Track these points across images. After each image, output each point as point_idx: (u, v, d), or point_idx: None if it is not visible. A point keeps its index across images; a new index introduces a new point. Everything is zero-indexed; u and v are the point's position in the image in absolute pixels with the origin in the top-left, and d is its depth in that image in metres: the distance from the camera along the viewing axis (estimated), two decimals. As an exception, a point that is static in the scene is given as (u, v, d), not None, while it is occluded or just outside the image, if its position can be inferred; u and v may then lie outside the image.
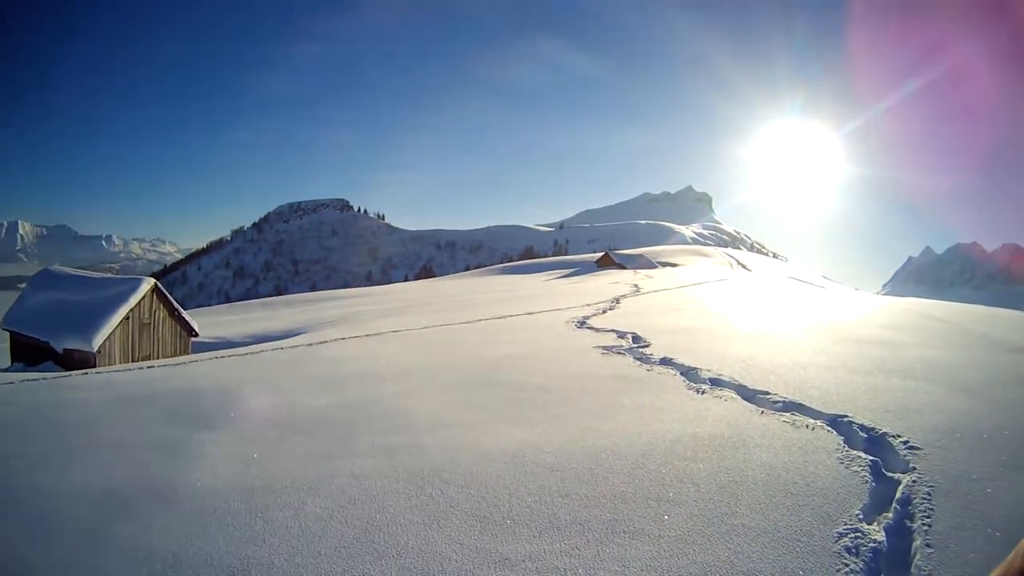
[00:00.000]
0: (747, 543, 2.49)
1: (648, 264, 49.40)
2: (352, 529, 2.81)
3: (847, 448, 3.47)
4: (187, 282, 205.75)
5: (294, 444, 4.12)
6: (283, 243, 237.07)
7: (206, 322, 24.18)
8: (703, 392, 4.88)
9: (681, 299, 14.42)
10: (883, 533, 2.57)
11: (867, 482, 3.01)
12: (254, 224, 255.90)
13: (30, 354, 18.18)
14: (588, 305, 13.97)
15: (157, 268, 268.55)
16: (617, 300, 14.93)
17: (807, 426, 3.87)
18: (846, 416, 3.99)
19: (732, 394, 4.76)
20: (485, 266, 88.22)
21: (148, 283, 19.46)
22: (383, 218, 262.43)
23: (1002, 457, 3.19)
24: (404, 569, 2.45)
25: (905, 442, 3.47)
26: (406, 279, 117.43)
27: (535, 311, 13.73)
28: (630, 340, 7.85)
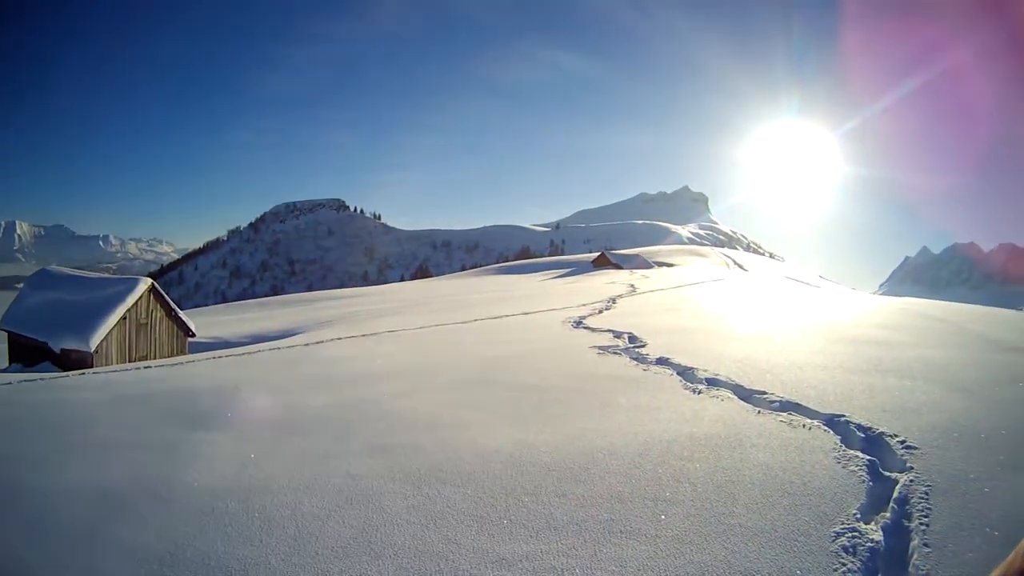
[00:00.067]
0: (744, 543, 2.49)
1: (644, 264, 49.48)
2: (349, 529, 2.80)
3: (844, 448, 3.47)
4: (184, 282, 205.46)
5: (291, 444, 4.11)
6: (279, 243, 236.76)
7: (203, 322, 24.14)
8: (699, 392, 4.88)
9: (677, 299, 14.44)
10: (880, 533, 2.57)
11: (864, 482, 3.01)
12: (250, 224, 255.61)
13: (28, 354, 18.14)
14: (584, 305, 13.98)
15: (154, 268, 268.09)
16: (613, 300, 14.95)
17: (804, 426, 3.87)
18: (843, 416, 3.99)
19: (729, 394, 4.76)
20: (481, 266, 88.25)
21: (145, 283, 19.43)
22: (379, 218, 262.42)
23: (1000, 456, 3.19)
24: (401, 569, 2.45)
25: (902, 442, 3.47)
26: (402, 279, 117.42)
27: (531, 311, 13.73)
28: (626, 340, 7.85)
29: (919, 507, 2.73)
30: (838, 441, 3.58)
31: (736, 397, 4.66)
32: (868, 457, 3.29)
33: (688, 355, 6.32)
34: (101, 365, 16.74)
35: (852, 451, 3.41)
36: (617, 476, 3.21)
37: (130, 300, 18.48)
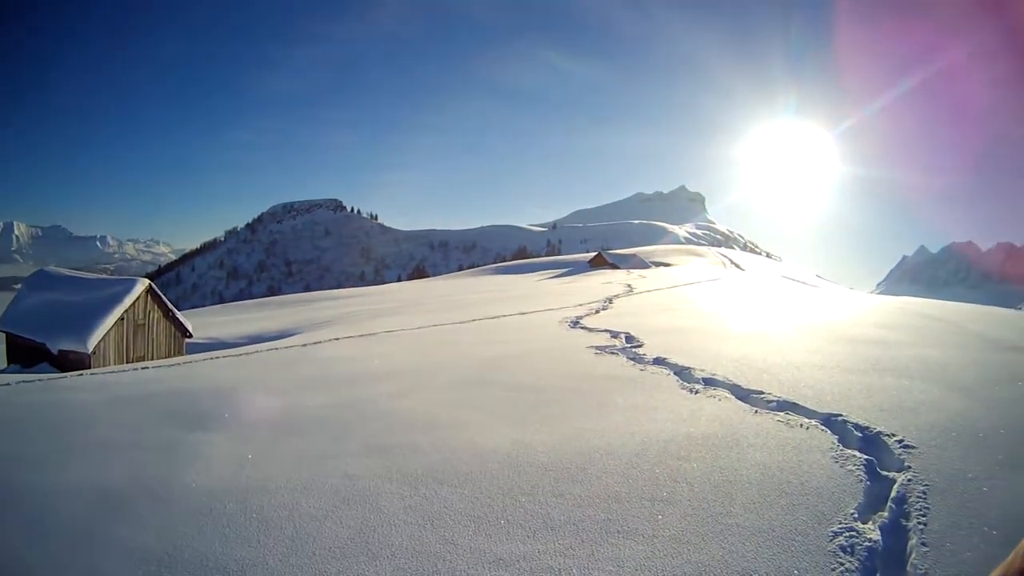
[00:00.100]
0: (742, 542, 2.50)
1: (641, 264, 49.49)
2: (347, 529, 2.80)
3: (842, 447, 3.47)
4: (181, 283, 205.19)
5: (289, 444, 4.10)
6: (276, 243, 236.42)
7: (200, 323, 24.13)
8: (697, 392, 4.88)
9: (674, 299, 14.44)
10: (878, 532, 2.57)
11: (862, 481, 3.02)
12: (247, 225, 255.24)
13: (26, 355, 18.12)
14: (581, 305, 13.97)
15: (151, 269, 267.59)
16: (610, 300, 14.94)
17: (801, 425, 3.88)
18: (841, 415, 3.99)
19: (726, 393, 4.76)
20: (478, 266, 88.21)
21: (142, 284, 19.41)
22: (376, 218, 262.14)
23: (998, 456, 3.19)
24: (398, 569, 2.44)
25: (900, 441, 3.48)
26: (399, 279, 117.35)
27: (528, 311, 13.72)
28: (623, 340, 7.85)
29: (917, 506, 2.73)
30: (836, 441, 3.58)
31: (733, 397, 4.67)
32: (866, 456, 3.30)
33: (685, 355, 6.32)
34: (99, 366, 16.71)
35: (850, 450, 3.41)
36: (614, 476, 3.21)
37: (128, 301, 18.47)
